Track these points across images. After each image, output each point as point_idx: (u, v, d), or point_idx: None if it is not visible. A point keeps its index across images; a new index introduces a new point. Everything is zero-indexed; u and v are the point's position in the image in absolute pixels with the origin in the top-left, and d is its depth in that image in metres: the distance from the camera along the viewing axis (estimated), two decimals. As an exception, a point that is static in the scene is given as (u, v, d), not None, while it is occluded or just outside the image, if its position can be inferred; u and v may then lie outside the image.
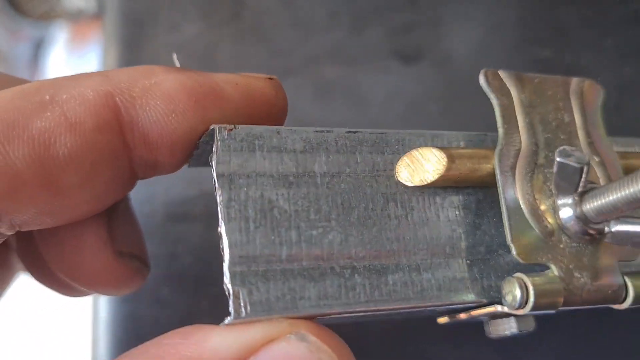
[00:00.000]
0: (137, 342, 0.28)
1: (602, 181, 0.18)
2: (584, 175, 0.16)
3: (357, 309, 0.16)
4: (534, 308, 0.16)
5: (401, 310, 0.17)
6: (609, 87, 0.31)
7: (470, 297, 0.17)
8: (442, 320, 0.20)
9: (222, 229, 0.16)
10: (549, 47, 0.32)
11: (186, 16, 0.33)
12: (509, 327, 0.19)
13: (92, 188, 0.16)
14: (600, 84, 0.21)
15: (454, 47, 0.32)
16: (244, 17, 0.33)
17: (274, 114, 0.18)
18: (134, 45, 0.33)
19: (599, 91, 0.20)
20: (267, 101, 0.18)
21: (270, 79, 0.18)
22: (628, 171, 0.19)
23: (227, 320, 0.15)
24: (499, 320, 0.19)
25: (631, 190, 0.15)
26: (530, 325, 0.19)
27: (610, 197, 0.16)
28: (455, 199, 0.18)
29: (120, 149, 0.16)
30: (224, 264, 0.15)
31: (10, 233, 0.16)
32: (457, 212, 0.18)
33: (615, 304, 0.18)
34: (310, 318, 0.16)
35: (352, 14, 0.33)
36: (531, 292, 0.16)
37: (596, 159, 0.19)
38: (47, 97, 0.15)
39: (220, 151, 0.16)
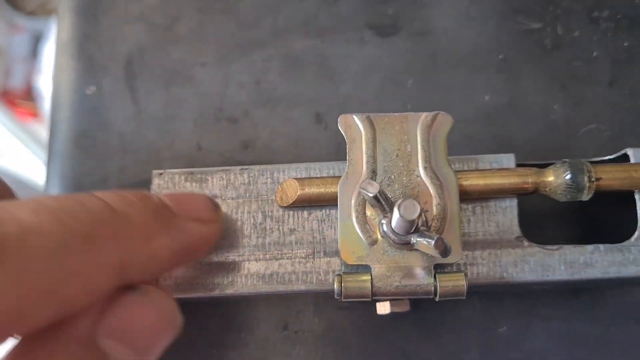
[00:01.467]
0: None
1: (436, 199, 0.23)
2: (382, 201, 0.21)
3: (238, 293, 0.24)
4: (346, 297, 0.22)
5: (275, 293, 0.24)
6: (604, 61, 0.28)
7: (322, 286, 0.23)
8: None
9: None
10: (539, 18, 0.30)
11: (147, -16, 0.30)
12: (385, 308, 0.25)
13: None
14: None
15: (434, 18, 0.29)
16: (210, -10, 0.30)
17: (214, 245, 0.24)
18: (90, 15, 0.30)
19: (448, 121, 0.24)
20: (211, 241, 0.23)
21: (213, 218, 0.23)
22: (461, 188, 0.23)
23: None
24: (380, 302, 0.25)
25: (394, 218, 0.21)
26: (405, 307, 0.24)
27: (391, 220, 0.21)
28: (320, 213, 0.24)
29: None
30: None
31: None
32: (319, 223, 0.24)
33: (428, 296, 0.22)
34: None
35: (327, -17, 0.30)
36: (343, 286, 0.22)
37: (431, 180, 0.23)
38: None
39: (153, 188, 0.25)
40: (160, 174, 0.25)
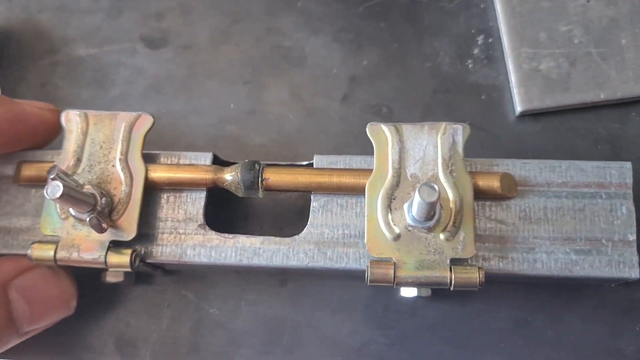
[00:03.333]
0: None
1: (124, 186, 0.27)
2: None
3: None
4: (36, 261, 0.26)
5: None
6: (342, 78, 0.31)
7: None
8: None
9: None
10: (291, 37, 0.33)
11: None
12: (109, 277, 0.28)
13: None
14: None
15: (198, 35, 0.33)
16: (15, 1, 0.35)
17: (55, 133, 0.29)
18: None
19: (149, 121, 0.28)
20: (51, 126, 0.29)
21: (55, 110, 0.29)
22: (150, 178, 0.27)
23: None
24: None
25: None
26: (119, 278, 0.28)
27: None
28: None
29: None
30: None
31: None
32: (43, 199, 0.28)
33: (99, 266, 0.26)
34: None
35: None
36: (30, 253, 0.26)
37: (123, 170, 0.27)
38: None
39: None
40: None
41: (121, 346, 0.30)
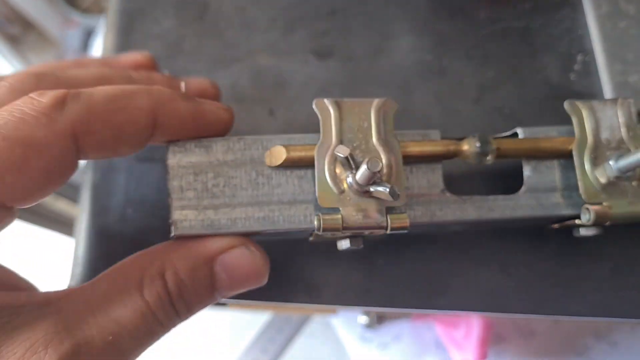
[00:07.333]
0: (108, 251, 0.39)
1: (385, 161, 0.30)
2: (350, 161, 0.29)
3: (239, 230, 0.30)
4: (323, 230, 0.29)
5: (272, 230, 0.30)
6: (472, 86, 0.41)
7: (302, 225, 0.31)
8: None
9: (169, 188, 0.30)
10: (431, 53, 0.42)
11: (165, 14, 0.44)
12: (345, 244, 0.32)
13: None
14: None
15: (357, 49, 0.42)
16: (207, 18, 0.44)
17: (227, 129, 0.32)
18: (125, 33, 0.44)
19: (394, 105, 0.32)
20: (226, 124, 0.32)
21: (228, 109, 0.32)
22: (403, 153, 0.31)
23: (171, 236, 0.30)
24: (340, 241, 0.33)
25: (361, 171, 0.28)
26: (359, 244, 0.32)
27: (357, 174, 0.29)
28: (299, 172, 0.31)
29: (150, 131, 0.29)
30: (171, 207, 0.30)
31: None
32: (299, 180, 0.31)
33: (382, 230, 0.30)
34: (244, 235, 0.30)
35: (286, 20, 0.43)
36: (321, 222, 0.29)
37: (382, 147, 0.31)
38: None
39: (170, 152, 0.30)
40: (176, 142, 0.31)
41: (308, 288, 0.39)
